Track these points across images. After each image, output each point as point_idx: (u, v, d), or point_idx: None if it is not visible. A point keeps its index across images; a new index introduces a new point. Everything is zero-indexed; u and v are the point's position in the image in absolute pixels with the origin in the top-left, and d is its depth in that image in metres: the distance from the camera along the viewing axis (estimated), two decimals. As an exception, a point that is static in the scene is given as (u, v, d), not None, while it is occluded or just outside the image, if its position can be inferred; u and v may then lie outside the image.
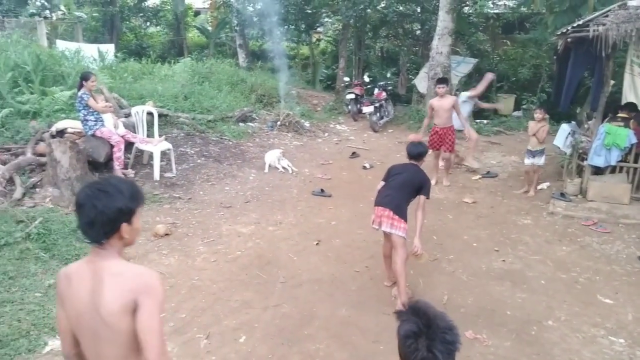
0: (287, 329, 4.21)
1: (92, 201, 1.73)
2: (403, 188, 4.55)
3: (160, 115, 8.64)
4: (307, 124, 11.45)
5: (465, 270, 5.30)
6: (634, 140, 6.94)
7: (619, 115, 7.49)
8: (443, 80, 7.94)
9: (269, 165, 8.45)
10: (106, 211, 1.73)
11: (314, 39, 20.19)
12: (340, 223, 6.45)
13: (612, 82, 9.45)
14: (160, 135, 8.02)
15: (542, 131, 7.23)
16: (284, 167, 8.46)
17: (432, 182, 7.69)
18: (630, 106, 8.03)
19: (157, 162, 7.37)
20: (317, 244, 5.81)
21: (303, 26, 16.87)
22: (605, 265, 5.42)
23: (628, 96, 9.74)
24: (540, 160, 7.37)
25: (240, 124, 10.73)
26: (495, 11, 16.71)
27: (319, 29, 21.04)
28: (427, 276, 5.15)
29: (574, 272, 5.25)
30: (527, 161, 7.48)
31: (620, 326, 4.33)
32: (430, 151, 7.69)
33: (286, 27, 15.77)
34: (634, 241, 6.02)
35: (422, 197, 4.53)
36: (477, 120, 12.37)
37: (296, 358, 3.86)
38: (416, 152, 4.69)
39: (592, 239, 6.08)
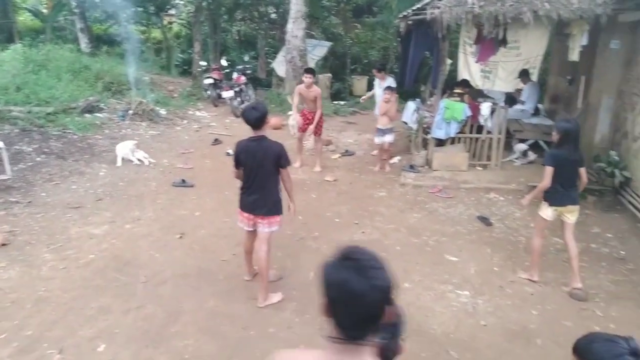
0: (152, 330, 4.00)
1: None
2: (265, 179, 4.19)
3: (-15, 110, 7.52)
4: (163, 112, 10.87)
5: (330, 245, 5.49)
6: (469, 113, 7.76)
7: (455, 91, 8.31)
8: (309, 71, 7.90)
9: (122, 158, 7.86)
10: None
11: (165, 22, 19.14)
12: (205, 213, 6.27)
13: (449, 61, 10.45)
14: (-14, 133, 7.00)
15: (392, 110, 7.73)
16: (139, 159, 7.93)
17: (297, 164, 7.90)
18: (464, 82, 8.95)
19: (-15, 164, 6.43)
20: (180, 237, 5.58)
21: (152, 8, 15.89)
22: (450, 227, 6.02)
23: (463, 73, 10.89)
24: (390, 138, 7.87)
25: (87, 115, 9.82)
26: (345, -5, 17.37)
27: (170, 12, 20.00)
28: (294, 256, 5.24)
29: (424, 236, 5.75)
30: (378, 140, 7.94)
31: (464, 280, 4.85)
32: (298, 133, 7.97)
33: (133, 9, 14.70)
34: (473, 203, 6.76)
35: (284, 172, 4.23)
36: (335, 102, 12.86)
37: (163, 358, 3.69)
38: (254, 118, 4.08)
39: (439, 204, 6.70)
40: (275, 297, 4.48)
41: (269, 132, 4.53)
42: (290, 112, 9.83)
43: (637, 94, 6.69)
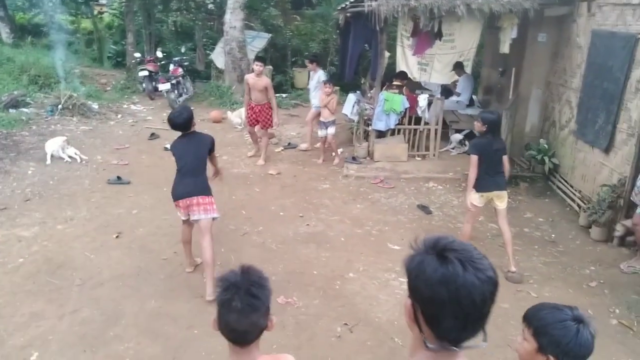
0: (89, 335, 3.82)
1: None
2: (196, 164, 4.36)
3: None
4: (95, 106, 10.33)
5: (275, 239, 5.47)
6: (407, 104, 7.93)
7: (394, 83, 8.47)
8: (260, 59, 7.95)
9: (52, 156, 7.40)
10: None
11: (96, 12, 18.22)
12: (143, 210, 6.04)
13: (388, 53, 10.62)
14: None
15: (332, 103, 7.75)
16: (70, 156, 7.50)
17: (250, 153, 8.18)
18: (402, 74, 9.13)
19: None
20: (117, 236, 5.35)
21: (81, -4, 15.10)
22: (392, 217, 6.14)
23: (401, 66, 11.11)
24: (332, 130, 7.89)
25: (11, 110, 9.18)
26: (284, -13, 17.21)
27: (101, 1, 19.05)
28: (238, 251, 5.16)
29: (367, 226, 5.84)
30: (321, 132, 7.95)
31: (406, 268, 4.96)
32: (248, 127, 8.04)
33: (59, -3, 13.90)
34: (413, 192, 6.93)
35: (214, 156, 4.64)
36: (277, 94, 12.73)
37: (103, 363, 3.53)
38: (179, 122, 4.30)
39: (380, 194, 6.82)
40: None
41: (210, 125, 4.50)
42: (235, 106, 9.71)
43: (563, 85, 7.10)
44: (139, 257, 4.96)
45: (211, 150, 4.50)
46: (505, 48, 7.61)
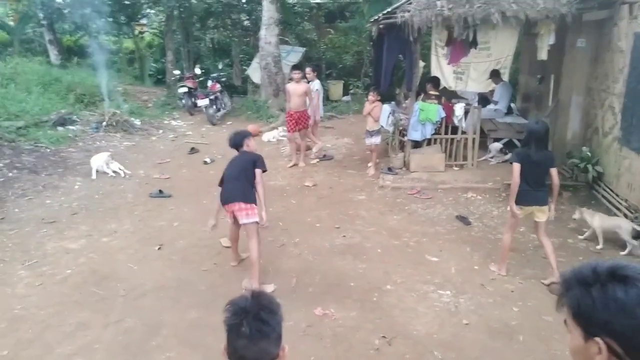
0: (132, 344, 3.92)
1: None
2: (240, 173, 4.65)
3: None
4: (138, 122, 10.72)
5: (311, 251, 5.49)
6: (443, 114, 7.85)
7: (430, 92, 8.40)
8: (297, 67, 8.59)
9: (97, 171, 7.71)
10: None
11: (137, 32, 18.92)
12: (183, 223, 6.19)
13: (423, 63, 10.57)
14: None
15: (376, 110, 7.80)
16: (114, 171, 7.80)
17: (290, 164, 8.48)
18: (434, 79, 9.03)
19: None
20: (159, 248, 5.50)
21: (123, 18, 15.69)
22: (430, 228, 6.07)
23: (436, 75, 10.99)
24: (377, 140, 7.93)
25: (59, 128, 9.62)
26: (317, 1, 17.44)
27: (141, 21, 19.77)
28: (275, 262, 5.21)
29: (404, 238, 5.78)
30: (367, 141, 8.00)
31: (445, 280, 4.89)
32: (288, 134, 8.52)
33: (103, 19, 14.49)
34: (451, 203, 6.83)
35: (258, 171, 4.67)
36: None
37: (146, 373, 3.62)
38: (234, 143, 4.86)
39: (418, 205, 6.75)
40: (269, 287, 4.61)
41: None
42: (271, 119, 9.88)
43: (605, 90, 6.87)
44: (179, 269, 5.08)
45: (258, 165, 4.69)
46: (543, 54, 7.45)
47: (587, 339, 1.09)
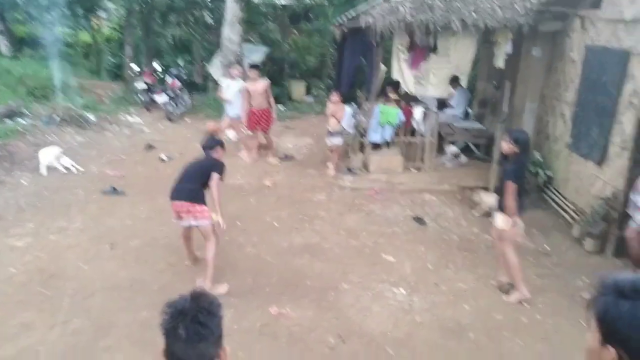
0: (79, 345, 3.79)
1: None
2: (196, 174, 4.59)
3: None
4: (92, 117, 10.35)
5: (269, 250, 5.45)
6: (403, 118, 7.97)
7: (390, 95, 8.51)
8: (254, 66, 8.43)
9: (47, 166, 7.40)
10: None
11: (95, 25, 18.32)
12: (138, 222, 6.03)
13: (384, 67, 10.69)
14: None
15: (339, 112, 7.83)
16: (65, 167, 7.50)
17: (247, 159, 8.51)
18: (395, 83, 9.16)
19: None
20: (111, 247, 5.33)
21: (80, 10, 15.17)
22: (387, 228, 6.14)
23: (397, 79, 11.14)
24: (339, 140, 7.95)
25: (7, 120, 9.19)
26: (283, 2, 17.39)
27: (100, 14, 19.16)
28: (232, 262, 5.14)
29: (362, 238, 5.83)
30: (329, 141, 8.01)
31: (401, 278, 4.96)
32: (248, 132, 8.47)
33: (59, 10, 13.96)
34: (408, 204, 6.93)
35: (214, 175, 4.56)
36: (273, 106, 12.76)
37: (93, 375, 3.50)
38: (207, 144, 4.81)
39: (376, 206, 6.82)
40: (222, 288, 4.56)
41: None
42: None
43: (558, 98, 7.15)
44: (133, 268, 4.94)
45: (215, 169, 4.58)
46: (500, 62, 7.68)
47: (604, 345, 1.13)
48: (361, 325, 4.19)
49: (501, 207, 4.53)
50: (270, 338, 3.97)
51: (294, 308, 4.37)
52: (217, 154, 4.77)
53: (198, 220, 4.52)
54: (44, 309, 4.20)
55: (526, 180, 7.12)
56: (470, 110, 10.26)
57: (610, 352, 1.11)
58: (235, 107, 8.50)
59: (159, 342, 3.88)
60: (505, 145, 4.42)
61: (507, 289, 4.73)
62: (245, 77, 8.74)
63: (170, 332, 1.47)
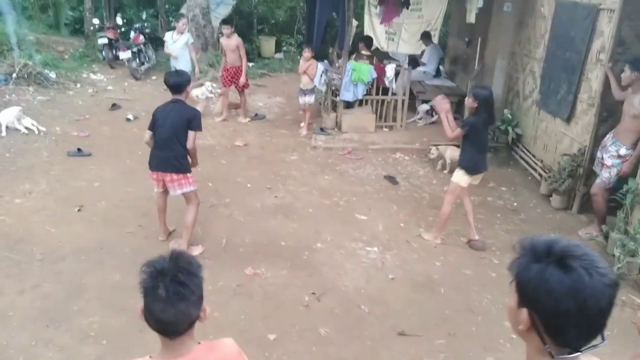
0: (51, 309, 3.74)
1: None
2: (172, 136, 4.23)
3: None
4: (53, 75, 9.87)
5: (242, 211, 5.43)
6: (375, 75, 7.88)
7: (362, 52, 8.38)
8: (226, 21, 8.33)
9: (7, 127, 7.07)
10: None
11: (50, -25, 17.23)
12: (105, 183, 5.88)
13: (356, 22, 10.49)
14: None
15: (312, 68, 7.67)
16: (27, 128, 7.19)
17: (219, 118, 8.32)
18: (367, 39, 9.01)
19: None
20: (78, 210, 5.20)
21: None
22: (359, 187, 6.18)
23: (369, 35, 10.97)
24: (311, 99, 7.83)
25: (-40, 79, 8.70)
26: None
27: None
28: (204, 223, 5.10)
29: (335, 197, 5.86)
30: (301, 100, 7.87)
31: (373, 237, 5.03)
32: (222, 88, 8.32)
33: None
34: (380, 163, 6.97)
35: (191, 133, 4.26)
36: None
37: (66, 337, 3.48)
38: (173, 82, 4.28)
39: (348, 166, 6.83)
40: (196, 250, 4.54)
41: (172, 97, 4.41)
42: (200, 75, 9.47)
43: (527, 55, 7.18)
44: (101, 231, 4.85)
45: (193, 126, 4.25)
46: (471, 18, 7.62)
47: (520, 306, 1.16)
48: (335, 282, 4.26)
49: (460, 163, 4.74)
50: (246, 297, 4.00)
51: (268, 268, 4.40)
52: (187, 94, 4.45)
53: (184, 187, 4.37)
54: (11, 274, 4.11)
55: (491, 138, 7.28)
56: (442, 68, 10.23)
57: (523, 313, 1.15)
58: (181, 62, 7.99)
59: (132, 304, 3.87)
60: (468, 101, 4.64)
61: (480, 246, 4.86)
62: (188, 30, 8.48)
63: (149, 291, 1.46)
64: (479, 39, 7.70)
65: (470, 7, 7.54)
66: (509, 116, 7.35)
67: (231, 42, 7.89)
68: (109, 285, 4.05)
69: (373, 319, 3.86)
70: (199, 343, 1.56)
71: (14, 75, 9.22)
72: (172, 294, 1.43)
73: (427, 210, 5.63)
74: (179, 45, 8.16)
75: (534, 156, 6.83)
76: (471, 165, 4.67)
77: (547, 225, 5.46)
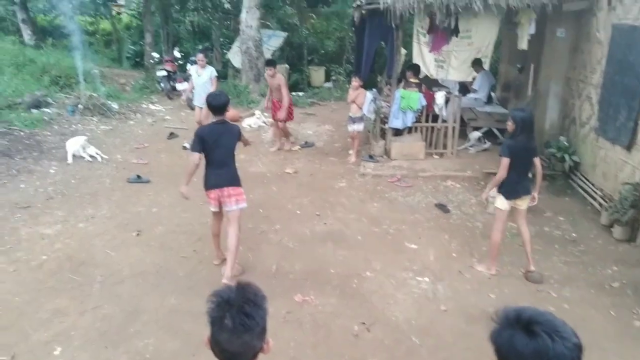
0: (110, 331, 3.89)
1: None
2: (228, 156, 4.50)
3: None
4: (115, 106, 10.50)
5: (292, 237, 5.49)
6: (424, 102, 7.87)
7: (411, 80, 8.40)
8: (270, 63, 8.38)
9: (73, 155, 7.55)
10: None
11: (114, 13, 18.47)
12: (162, 209, 6.12)
13: (404, 51, 10.55)
14: None
15: (360, 97, 7.78)
16: (91, 156, 7.65)
17: (273, 148, 8.58)
18: (415, 67, 9.02)
19: None
20: (137, 234, 5.43)
21: (99, -2, 15.32)
22: (409, 215, 6.11)
23: (417, 63, 10.99)
24: (360, 126, 7.92)
25: (33, 110, 9.37)
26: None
27: (119, 2, 19.30)
28: (255, 250, 5.19)
29: (384, 225, 5.82)
30: (350, 128, 7.97)
31: (424, 266, 4.95)
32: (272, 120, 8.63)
33: (79, -1, 14.11)
34: (430, 191, 6.89)
35: (241, 144, 4.70)
36: (293, 93, 12.76)
37: (124, 358, 3.59)
38: (217, 104, 4.41)
39: (398, 193, 6.79)
40: (235, 270, 4.57)
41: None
42: (251, 105, 9.79)
43: (583, 80, 6.98)
44: (158, 255, 5.03)
45: (240, 136, 4.63)
46: (523, 44, 7.51)
47: None
48: (385, 312, 4.21)
49: (498, 187, 4.65)
50: (295, 325, 4.01)
51: (318, 295, 4.41)
52: (228, 112, 4.57)
53: (239, 203, 4.53)
54: (74, 296, 4.31)
55: (547, 166, 7.05)
56: (493, 94, 10.09)
57: None
58: (204, 96, 8.13)
59: (187, 327, 3.97)
60: (508, 125, 4.56)
61: (537, 278, 4.67)
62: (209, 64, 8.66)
63: (216, 321, 1.47)
64: (532, 65, 7.56)
65: (522, 34, 7.44)
66: (565, 143, 7.12)
67: (274, 81, 8.10)
68: (166, 308, 4.17)
69: (425, 351, 3.76)
70: None
71: (80, 106, 9.85)
72: (237, 325, 1.45)
73: (480, 240, 5.49)
74: (203, 79, 8.23)
75: (593, 185, 6.55)
76: (509, 190, 4.57)
77: (609, 257, 5.19)
